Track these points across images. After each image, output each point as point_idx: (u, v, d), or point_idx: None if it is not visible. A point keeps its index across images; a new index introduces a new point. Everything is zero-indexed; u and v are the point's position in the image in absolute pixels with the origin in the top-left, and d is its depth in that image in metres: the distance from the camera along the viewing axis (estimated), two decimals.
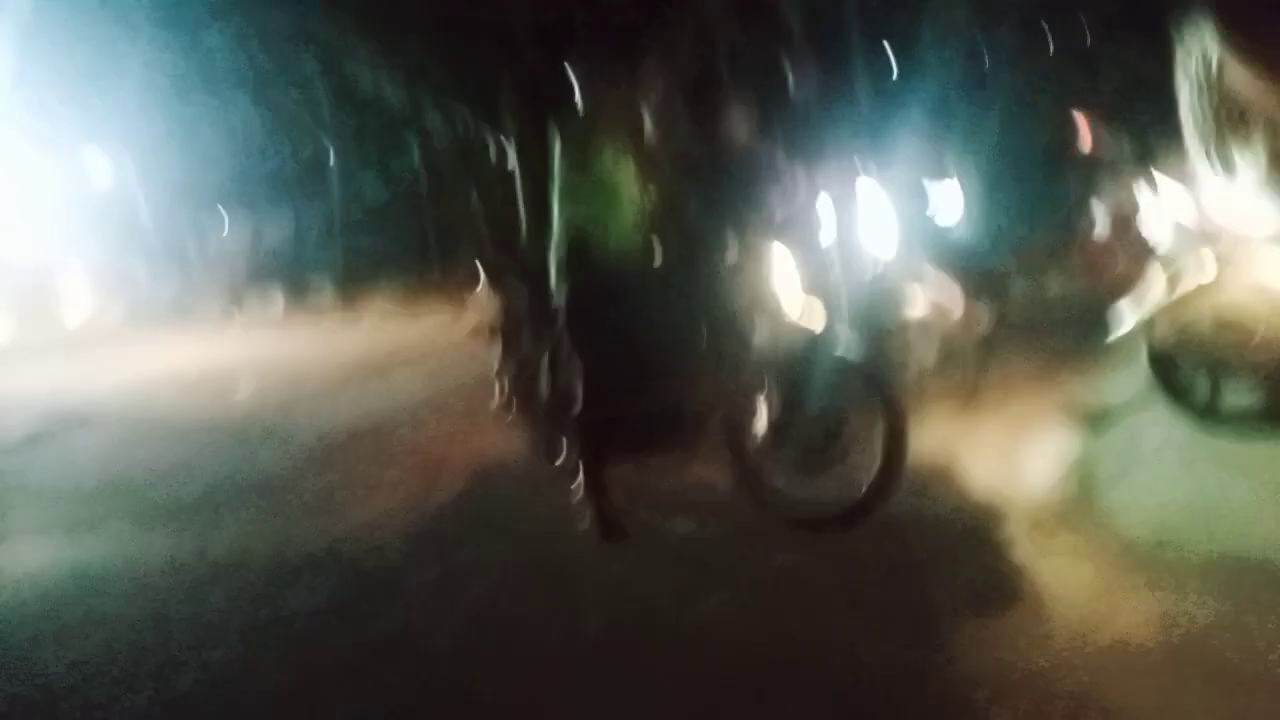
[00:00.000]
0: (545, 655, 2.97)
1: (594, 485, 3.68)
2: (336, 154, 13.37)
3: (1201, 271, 3.37)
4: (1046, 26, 9.20)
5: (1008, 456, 3.77)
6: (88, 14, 10.92)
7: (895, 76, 9.28)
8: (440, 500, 4.45)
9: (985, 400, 4.33)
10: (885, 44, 9.30)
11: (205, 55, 11.99)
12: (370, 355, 8.40)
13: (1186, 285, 3.44)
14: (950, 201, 5.36)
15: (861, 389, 3.47)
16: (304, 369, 8.22)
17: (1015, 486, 3.49)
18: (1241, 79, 2.94)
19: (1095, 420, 3.91)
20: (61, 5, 10.81)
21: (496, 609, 3.33)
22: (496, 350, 4.33)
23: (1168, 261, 3.50)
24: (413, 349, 8.26)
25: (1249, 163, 3.01)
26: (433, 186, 14.10)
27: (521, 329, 4.23)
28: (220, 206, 13.33)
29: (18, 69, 10.81)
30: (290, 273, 12.71)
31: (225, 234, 13.30)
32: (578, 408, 3.79)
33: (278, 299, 12.05)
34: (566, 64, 3.80)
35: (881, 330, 4.31)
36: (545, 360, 4.13)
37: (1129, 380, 3.90)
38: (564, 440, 4.12)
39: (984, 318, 5.06)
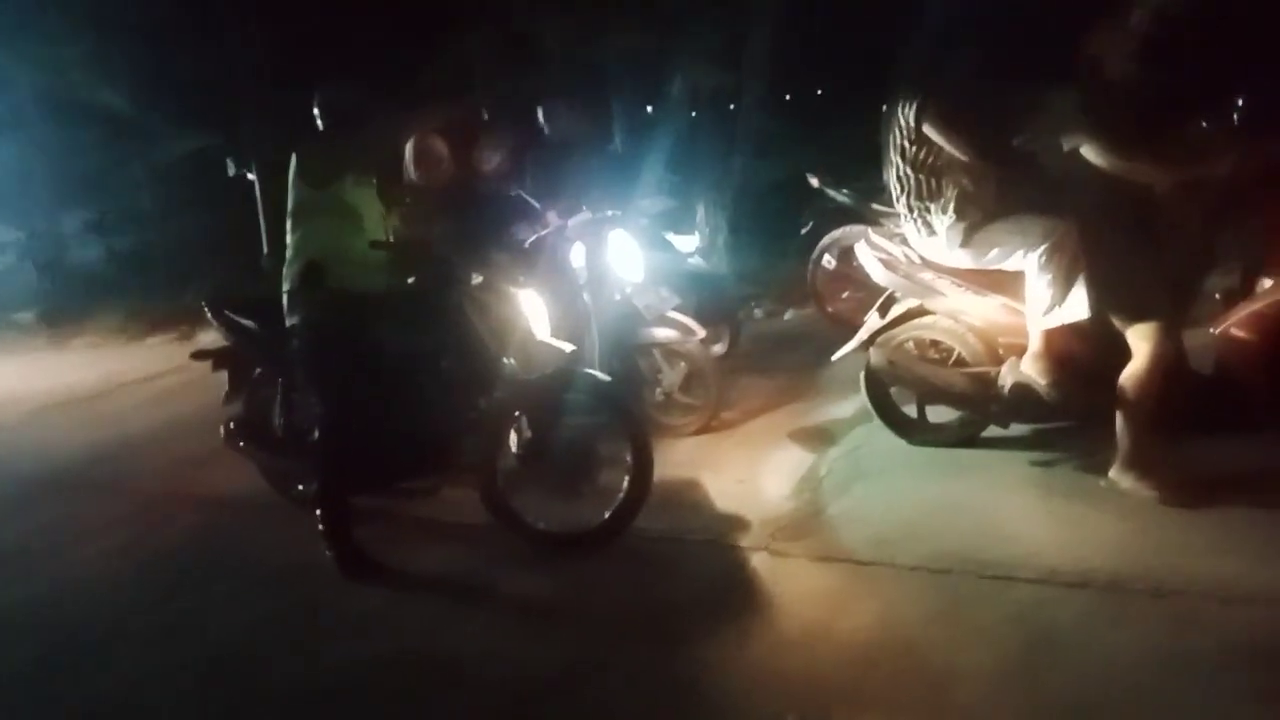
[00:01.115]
0: (287, 700, 2.79)
1: (334, 518, 3.48)
2: (48, 169, 11.95)
3: (911, 301, 3.75)
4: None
5: (745, 473, 3.97)
6: None
7: (645, 116, 9.71)
8: (165, 541, 4.08)
9: (725, 422, 4.56)
10: (637, 87, 9.73)
11: None
12: (85, 384, 7.53)
13: (898, 313, 3.81)
14: (693, 234, 5.66)
15: (608, 412, 3.53)
16: (4, 401, 7.25)
17: (751, 501, 3.68)
18: (936, 149, 3.39)
19: (822, 438, 4.22)
20: None
21: (234, 655, 3.09)
22: (225, 377, 4.02)
23: (886, 293, 3.85)
24: (134, 376, 7.50)
25: (945, 214, 3.43)
26: (159, 206, 12.98)
27: (252, 355, 3.96)
28: None
29: None
30: None
31: None
32: (314, 436, 3.59)
33: None
34: (314, 88, 3.64)
35: (627, 355, 4.44)
36: (278, 389, 3.89)
37: (852, 400, 4.25)
38: (300, 471, 3.89)
39: (724, 343, 5.37)
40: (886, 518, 3.38)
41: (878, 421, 3.96)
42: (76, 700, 2.96)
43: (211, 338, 4.33)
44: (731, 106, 9.50)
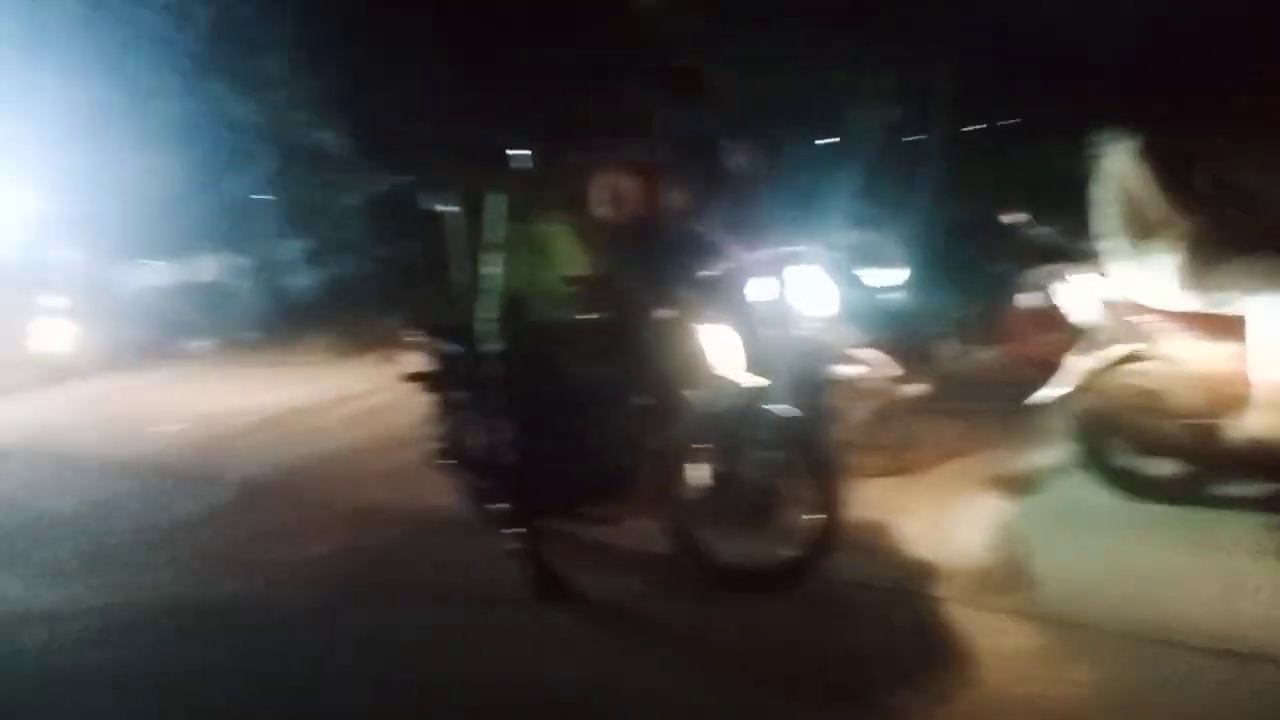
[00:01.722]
0: (467, 712, 2.87)
1: (526, 539, 3.60)
2: (269, 200, 13.16)
3: (1124, 345, 3.51)
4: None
5: (938, 520, 3.80)
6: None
7: (831, 152, 9.64)
8: (363, 551, 4.32)
9: (916, 464, 4.39)
10: (820, 120, 9.69)
11: (128, 99, 11.69)
12: (298, 400, 8.17)
13: (1109, 358, 3.57)
14: (885, 269, 5.49)
15: (796, 449, 3.48)
16: (232, 412, 7.97)
17: (945, 550, 3.51)
18: (1150, 187, 3.19)
19: (1023, 486, 3.99)
20: None
21: (423, 666, 3.21)
22: (428, 399, 4.25)
23: (1092, 335, 3.63)
24: (341, 395, 8.07)
25: (1168, 254, 3.21)
26: (367, 236, 13.98)
27: (454, 380, 4.17)
28: (147, 249, 12.92)
29: None
30: (218, 317, 12.35)
31: (153, 278, 12.87)
32: (507, 459, 3.73)
33: (205, 344, 11.68)
34: (509, 126, 3.84)
35: (816, 392, 4.35)
36: (477, 412, 4.08)
37: (1055, 447, 3.99)
38: (496, 491, 4.05)
39: (916, 382, 5.17)
40: (1096, 576, 3.16)
41: (1084, 471, 3.71)
42: (269, 693, 3.13)
43: (412, 360, 4.58)
44: (918, 139, 9.29)
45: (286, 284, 12.94)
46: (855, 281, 5.07)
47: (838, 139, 9.85)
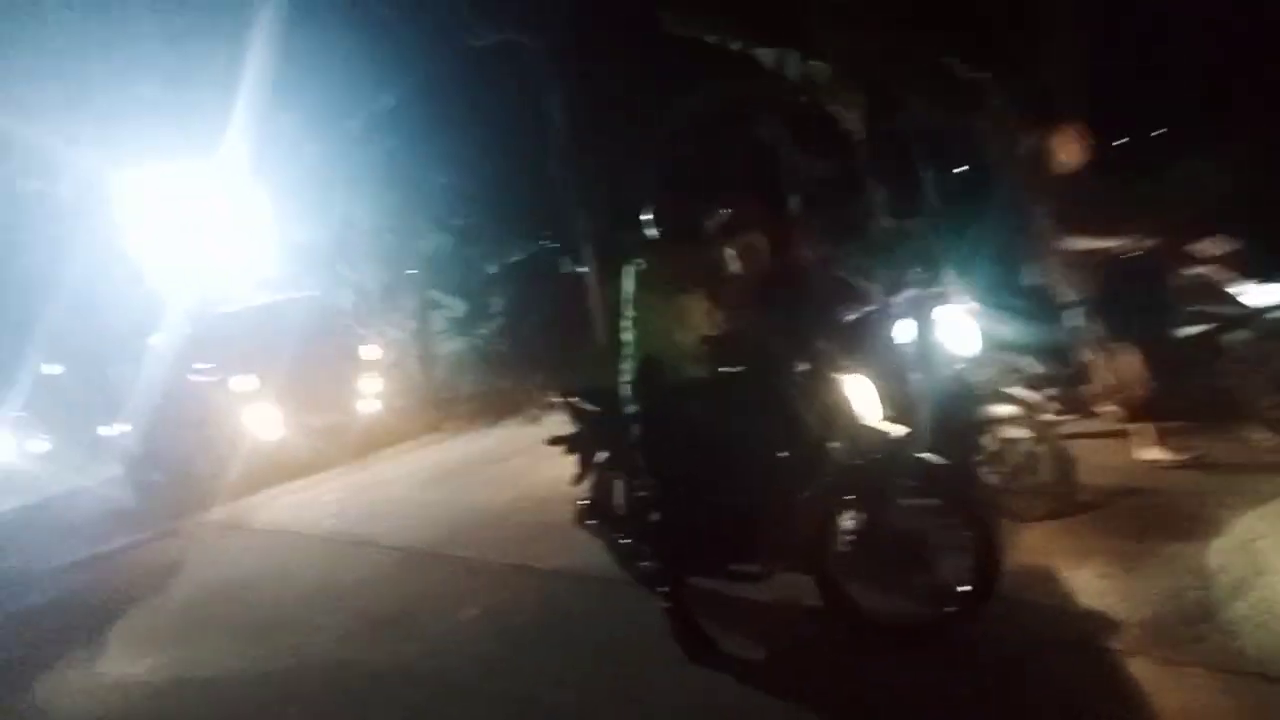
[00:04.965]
0: None
1: (674, 597, 3.59)
2: (421, 275, 13.87)
3: None
4: None
5: (1110, 564, 3.55)
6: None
7: (968, 190, 9.36)
8: (516, 610, 4.41)
9: (1083, 505, 4.11)
10: (955, 159, 9.44)
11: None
12: (448, 462, 8.50)
13: None
14: (1036, 304, 5.21)
15: (944, 496, 3.34)
16: (384, 480, 8.37)
17: (1120, 598, 3.27)
18: None
19: (1208, 524, 3.67)
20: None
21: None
22: (571, 461, 4.33)
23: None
24: (489, 457, 8.33)
25: None
26: (508, 302, 14.51)
27: (595, 441, 4.24)
28: None
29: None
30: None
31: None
32: (652, 518, 3.75)
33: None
34: (641, 193, 3.94)
35: (966, 435, 4.18)
36: (619, 472, 4.13)
37: (1241, 479, 3.68)
38: (643, 550, 4.06)
39: (1080, 417, 4.87)
40: None
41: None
42: None
43: (554, 422, 4.70)
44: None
45: (438, 351, 13.56)
46: (1006, 315, 4.83)
47: (974, 168, 9.57)
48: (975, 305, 4.48)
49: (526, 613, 4.36)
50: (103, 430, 14.23)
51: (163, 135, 11.65)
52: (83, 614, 5.96)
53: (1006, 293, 4.85)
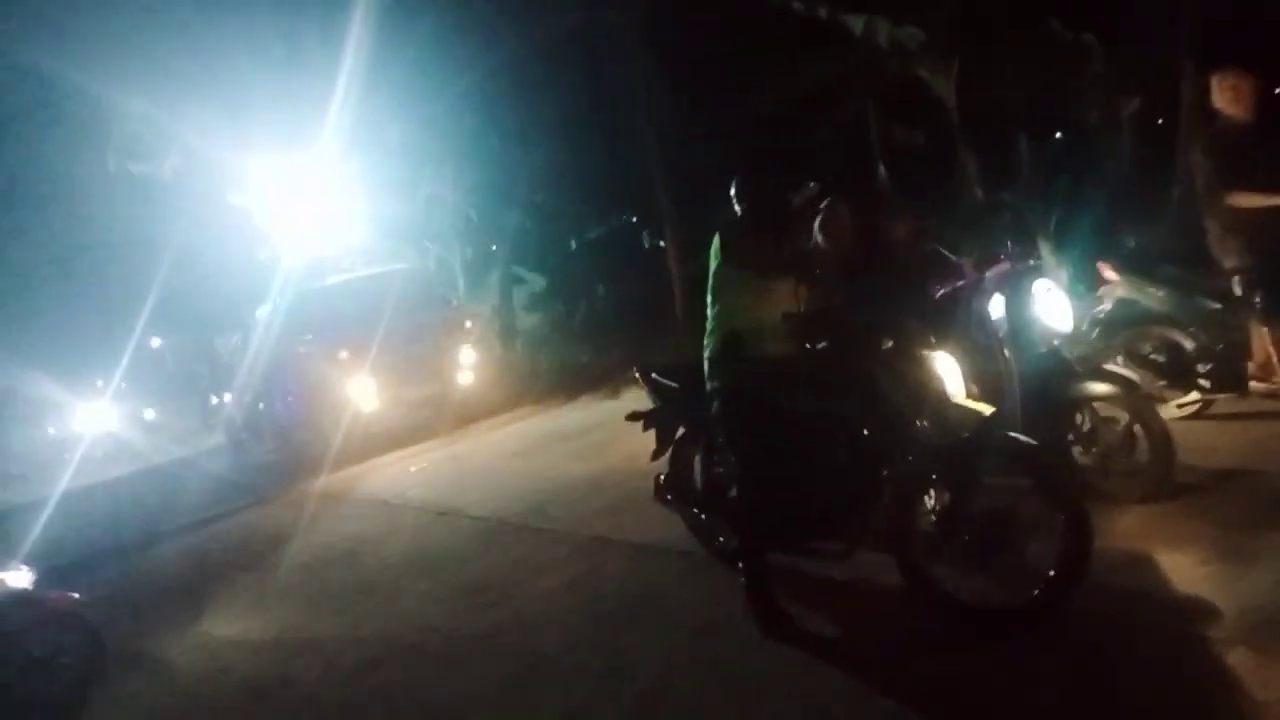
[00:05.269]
0: None
1: (754, 574, 3.59)
2: (504, 251, 14.07)
3: None
4: None
5: (1209, 549, 3.41)
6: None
7: (1061, 149, 9.00)
8: (596, 583, 4.48)
9: (1176, 491, 3.95)
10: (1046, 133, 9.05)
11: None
12: (531, 437, 8.65)
13: None
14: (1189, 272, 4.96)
15: (1033, 477, 3.25)
16: (468, 452, 8.57)
17: (1219, 584, 3.15)
18: None
19: None
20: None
21: (655, 698, 3.29)
22: (650, 436, 4.36)
23: None
24: (569, 431, 8.45)
25: None
26: (589, 278, 14.62)
27: (675, 417, 4.26)
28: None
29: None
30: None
31: None
32: (732, 494, 3.75)
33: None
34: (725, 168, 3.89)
35: (1056, 413, 4.05)
36: (698, 448, 4.14)
37: None
38: (722, 526, 4.08)
39: (1179, 394, 4.67)
40: None
41: None
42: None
43: (635, 395, 4.73)
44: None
45: (516, 327, 13.75)
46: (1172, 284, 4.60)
47: (1074, 136, 9.18)
48: (1065, 278, 4.32)
49: (608, 585, 4.42)
50: (210, 400, 14.91)
51: (273, 122, 12.22)
52: (196, 575, 6.36)
53: (1150, 260, 4.59)
